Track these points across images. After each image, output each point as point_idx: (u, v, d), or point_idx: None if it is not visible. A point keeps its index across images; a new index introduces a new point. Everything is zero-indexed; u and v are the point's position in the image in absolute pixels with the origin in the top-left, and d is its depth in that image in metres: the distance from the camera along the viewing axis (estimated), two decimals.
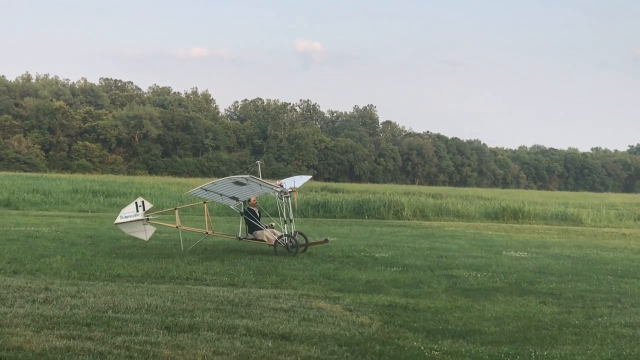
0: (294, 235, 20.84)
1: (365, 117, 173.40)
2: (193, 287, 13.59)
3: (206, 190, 20.86)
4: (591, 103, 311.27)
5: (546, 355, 9.28)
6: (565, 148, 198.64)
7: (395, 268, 17.90)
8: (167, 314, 10.65)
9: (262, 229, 21.06)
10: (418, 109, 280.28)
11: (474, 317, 11.90)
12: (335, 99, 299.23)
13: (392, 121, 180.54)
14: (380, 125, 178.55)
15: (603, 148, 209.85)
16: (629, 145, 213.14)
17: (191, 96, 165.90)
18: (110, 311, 10.63)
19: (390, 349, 9.30)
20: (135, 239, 21.48)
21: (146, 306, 11.14)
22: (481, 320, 11.65)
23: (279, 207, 21.62)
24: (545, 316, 12.20)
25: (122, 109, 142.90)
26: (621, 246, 28.08)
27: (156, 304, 11.37)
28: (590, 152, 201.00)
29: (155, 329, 9.59)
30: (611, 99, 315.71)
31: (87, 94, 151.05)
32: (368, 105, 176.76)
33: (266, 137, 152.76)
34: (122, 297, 11.82)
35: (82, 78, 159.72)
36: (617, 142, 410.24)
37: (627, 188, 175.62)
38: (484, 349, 9.60)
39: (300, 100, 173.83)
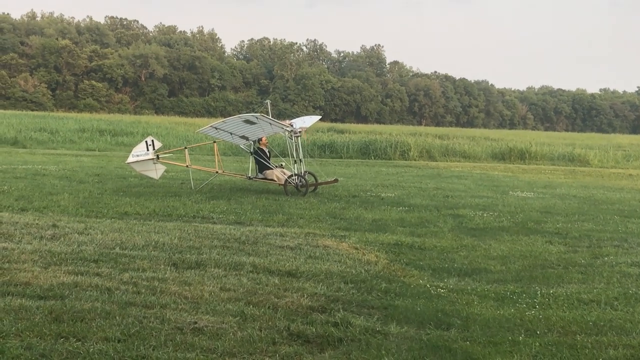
0: (304, 174, 20.83)
1: (372, 58, 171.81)
2: (200, 225, 13.61)
3: (216, 129, 20.77)
4: (600, 43, 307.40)
5: (552, 293, 9.30)
6: (574, 89, 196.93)
7: (401, 208, 17.91)
8: (175, 251, 10.69)
9: (272, 169, 21.04)
10: (426, 49, 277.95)
11: (480, 256, 11.93)
12: (342, 39, 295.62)
13: (399, 61, 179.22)
14: (388, 66, 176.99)
15: (611, 89, 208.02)
16: (638, 86, 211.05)
17: (197, 35, 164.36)
18: (118, 248, 10.67)
19: (396, 286, 9.34)
20: (143, 177, 21.54)
21: (153, 243, 11.17)
22: (487, 259, 11.68)
23: (289, 146, 21.54)
24: (552, 255, 12.21)
25: (128, 48, 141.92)
26: (628, 187, 28.01)
27: (163, 241, 11.41)
28: (599, 93, 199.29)
29: (162, 266, 9.64)
30: (620, 39, 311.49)
31: (92, 32, 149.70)
32: (375, 45, 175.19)
33: (272, 77, 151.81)
34: (129, 235, 11.86)
35: (88, 16, 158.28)
36: (626, 83, 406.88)
37: (635, 129, 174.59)
38: (490, 287, 9.63)
39: (307, 39, 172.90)
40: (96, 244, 10.90)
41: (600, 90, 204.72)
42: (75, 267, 9.25)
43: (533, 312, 8.42)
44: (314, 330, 7.24)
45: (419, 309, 8.31)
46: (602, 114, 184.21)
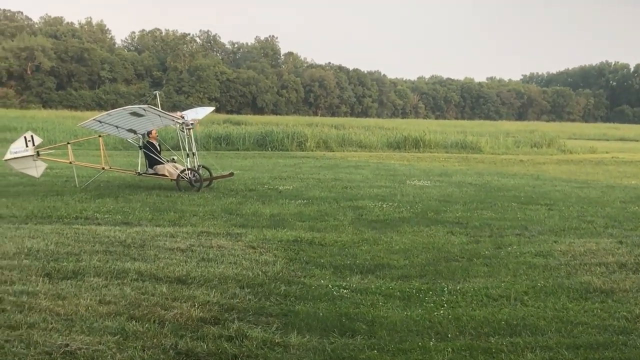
0: (198, 169, 19.86)
1: (267, 49, 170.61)
2: (82, 227, 12.48)
3: (100, 122, 19.43)
4: (487, 32, 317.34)
5: (459, 289, 8.86)
6: (462, 78, 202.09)
7: (300, 201, 17.26)
8: (50, 259, 9.61)
9: (163, 163, 19.95)
10: (320, 40, 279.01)
11: (382, 250, 11.40)
12: (236, 30, 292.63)
13: (294, 52, 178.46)
14: (282, 57, 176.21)
15: (498, 77, 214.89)
16: (522, 75, 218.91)
17: (85, 27, 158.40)
18: None
19: (296, 289, 8.66)
20: (24, 175, 20.00)
21: (26, 250, 10.04)
22: (389, 254, 11.16)
23: (181, 139, 20.48)
24: (454, 247, 11.83)
25: (12, 41, 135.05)
26: (520, 172, 28.45)
27: (38, 247, 10.29)
28: (486, 81, 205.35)
29: (34, 277, 8.58)
30: (506, 28, 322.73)
31: None
32: (270, 36, 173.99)
33: (166, 69, 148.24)
34: None
35: None
36: (511, 71, 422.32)
37: (521, 116, 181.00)
38: (395, 285, 9.10)
39: (200, 30, 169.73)
40: None
41: (487, 78, 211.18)
42: None
43: (442, 311, 7.94)
44: (205, 346, 6.46)
45: (321, 314, 7.66)
46: (489, 101, 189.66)
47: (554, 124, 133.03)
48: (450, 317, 7.71)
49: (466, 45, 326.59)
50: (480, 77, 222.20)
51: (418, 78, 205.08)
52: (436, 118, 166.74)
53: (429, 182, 23.08)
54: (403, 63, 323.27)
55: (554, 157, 42.20)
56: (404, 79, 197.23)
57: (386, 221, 14.49)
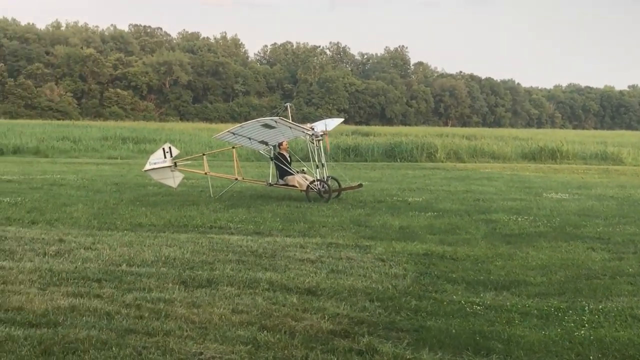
0: (327, 180, 19.99)
1: (396, 59, 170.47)
2: (216, 237, 12.79)
3: (234, 134, 19.98)
4: (628, 39, 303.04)
5: (601, 309, 8.34)
6: (602, 86, 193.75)
7: (430, 213, 16.97)
8: (185, 267, 9.88)
9: (293, 174, 20.22)
10: (451, 49, 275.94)
11: (518, 266, 10.95)
12: (366, 41, 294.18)
13: (424, 62, 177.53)
14: (412, 67, 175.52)
15: None
16: None
17: (220, 41, 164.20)
18: (125, 264, 9.88)
19: (427, 304, 8.44)
20: (162, 185, 20.84)
21: (163, 258, 10.37)
22: (525, 270, 10.70)
23: (310, 151, 20.70)
24: (595, 263, 11.21)
25: (152, 56, 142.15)
26: None
27: (174, 255, 10.61)
28: (627, 89, 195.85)
29: (170, 284, 8.82)
30: None
31: (116, 40, 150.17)
32: (399, 47, 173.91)
33: (296, 81, 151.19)
34: (139, 249, 11.08)
35: (112, 25, 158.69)
36: None
37: None
38: (531, 302, 8.69)
39: (330, 42, 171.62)
40: (102, 261, 10.13)
41: (629, 87, 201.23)
42: (75, 288, 8.47)
43: (583, 332, 7.47)
44: None
45: (454, 330, 7.41)
46: (631, 110, 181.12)
47: None
48: (592, 338, 7.26)
49: (606, 51, 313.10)
50: (621, 85, 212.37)
51: (554, 86, 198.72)
52: (574, 128, 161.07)
53: (567, 194, 22.17)
54: (538, 71, 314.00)
55: None
56: (539, 88, 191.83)
57: (521, 235, 13.97)
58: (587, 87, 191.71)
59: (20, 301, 7.74)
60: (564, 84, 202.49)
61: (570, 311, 8.30)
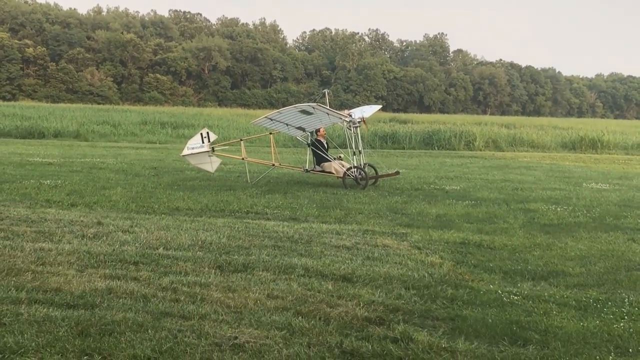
0: (364, 167, 19.92)
1: (435, 46, 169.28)
2: (252, 222, 12.83)
3: (271, 120, 19.98)
4: None
5: None
6: None
7: (467, 201, 16.82)
8: (222, 252, 9.92)
9: (330, 161, 20.19)
10: (490, 37, 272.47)
11: (556, 256, 10.80)
12: (405, 28, 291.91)
13: (463, 50, 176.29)
14: (451, 54, 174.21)
15: None
16: None
17: (259, 27, 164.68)
18: (162, 248, 9.96)
19: (463, 292, 8.35)
20: (199, 170, 20.97)
21: (200, 242, 10.43)
22: (564, 260, 10.55)
23: (348, 138, 20.63)
24: (636, 255, 11.00)
25: (191, 41, 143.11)
26: None
27: (211, 240, 10.66)
28: None
29: (206, 269, 8.87)
30: None
31: (156, 26, 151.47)
32: (439, 34, 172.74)
33: (334, 67, 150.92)
34: (176, 233, 11.16)
35: (152, 10, 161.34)
36: None
37: None
38: (569, 293, 8.56)
39: (369, 29, 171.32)
40: (139, 244, 10.21)
41: None
42: (112, 271, 8.56)
43: (622, 324, 7.34)
44: (370, 347, 6.33)
45: (490, 320, 7.32)
46: None
47: None
48: (631, 330, 7.13)
49: None
50: None
51: (596, 75, 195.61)
52: (615, 117, 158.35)
53: (607, 185, 21.79)
54: (580, 59, 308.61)
55: None
56: (581, 77, 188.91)
57: (560, 225, 13.77)
58: (630, 76, 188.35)
59: (58, 282, 7.84)
60: (606, 73, 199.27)
61: (610, 303, 8.16)
